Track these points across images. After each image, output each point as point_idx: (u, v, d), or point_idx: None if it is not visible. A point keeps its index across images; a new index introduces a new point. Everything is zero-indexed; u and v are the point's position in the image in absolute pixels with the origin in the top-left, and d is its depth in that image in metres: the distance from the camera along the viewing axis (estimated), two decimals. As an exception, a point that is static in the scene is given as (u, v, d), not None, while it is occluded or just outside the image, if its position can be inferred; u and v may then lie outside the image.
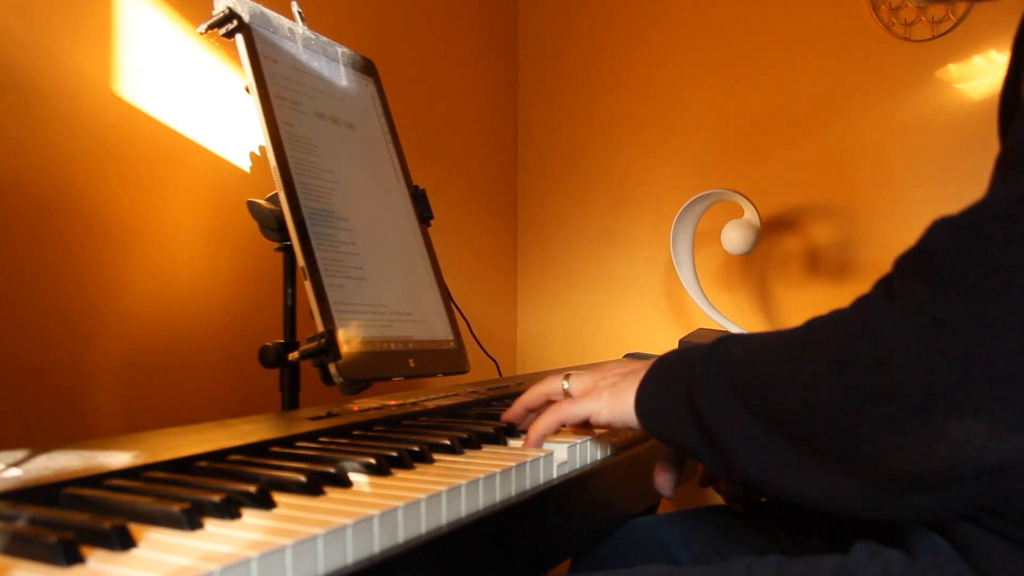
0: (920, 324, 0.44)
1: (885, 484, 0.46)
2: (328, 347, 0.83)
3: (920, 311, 0.44)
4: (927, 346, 0.43)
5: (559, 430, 0.75)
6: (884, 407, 0.45)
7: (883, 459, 0.45)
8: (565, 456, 0.69)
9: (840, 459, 0.48)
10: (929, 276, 0.44)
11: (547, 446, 0.69)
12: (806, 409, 0.48)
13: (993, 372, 0.42)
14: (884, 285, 0.48)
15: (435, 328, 1.03)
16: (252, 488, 0.48)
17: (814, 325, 0.51)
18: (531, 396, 0.75)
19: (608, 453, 0.76)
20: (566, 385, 0.72)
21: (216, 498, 0.45)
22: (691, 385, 0.56)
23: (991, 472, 0.43)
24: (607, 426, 0.67)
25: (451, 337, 1.06)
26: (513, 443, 0.73)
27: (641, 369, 0.65)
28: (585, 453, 0.72)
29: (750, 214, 1.67)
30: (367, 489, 0.53)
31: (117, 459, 0.55)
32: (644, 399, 0.63)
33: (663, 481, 0.73)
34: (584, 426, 0.77)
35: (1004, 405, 0.42)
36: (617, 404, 0.65)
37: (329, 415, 0.79)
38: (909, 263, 0.47)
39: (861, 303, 0.48)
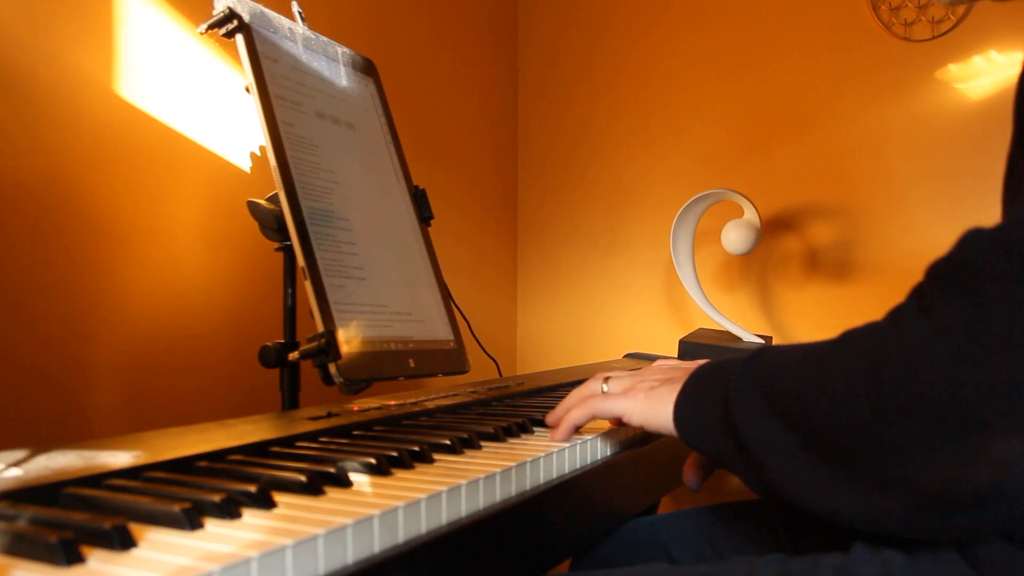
0: (955, 340, 0.43)
1: (924, 504, 0.45)
2: (328, 347, 0.83)
3: (955, 326, 0.43)
4: (963, 362, 0.42)
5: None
6: (921, 425, 0.44)
7: (921, 478, 0.45)
8: (576, 451, 0.70)
9: (876, 477, 0.47)
10: (963, 290, 0.43)
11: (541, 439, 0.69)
12: (840, 425, 0.47)
13: None
14: (918, 297, 0.46)
15: (435, 328, 1.03)
16: (252, 488, 0.48)
17: (848, 338, 0.50)
18: (572, 399, 0.75)
19: (609, 453, 0.76)
20: (605, 387, 0.73)
21: (216, 498, 0.45)
22: (726, 397, 0.56)
23: None
24: (639, 428, 0.68)
25: (451, 337, 1.06)
26: (513, 442, 0.73)
27: (680, 377, 0.65)
28: (585, 453, 0.72)
29: (750, 214, 1.67)
30: (367, 489, 0.53)
31: (117, 459, 0.55)
32: (682, 408, 0.63)
33: (693, 477, 0.74)
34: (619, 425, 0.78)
35: None
36: (652, 408, 0.65)
37: (329, 415, 0.79)
38: (942, 275, 0.46)
39: (895, 316, 0.47)
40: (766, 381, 0.54)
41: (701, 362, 0.65)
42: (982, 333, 0.42)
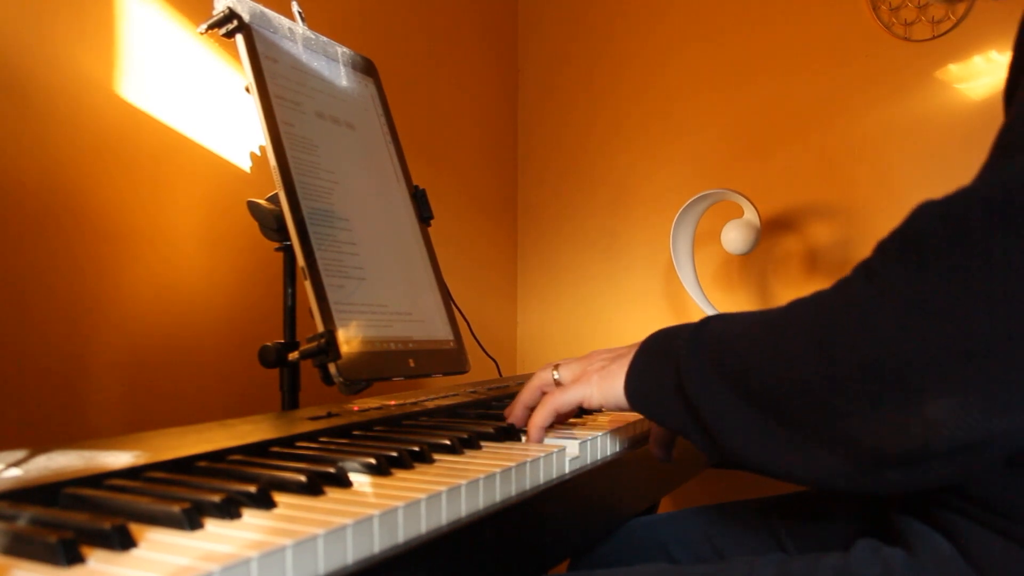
0: (897, 304, 0.45)
1: (861, 461, 0.47)
2: (328, 347, 0.83)
3: (898, 291, 0.45)
4: (903, 325, 0.44)
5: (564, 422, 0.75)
6: (860, 385, 0.46)
7: (859, 436, 0.46)
8: (576, 451, 0.70)
9: (819, 436, 0.48)
10: (910, 258, 0.45)
11: (553, 441, 0.69)
12: (787, 387, 0.49)
13: (966, 352, 0.42)
14: (864, 267, 0.48)
15: (435, 328, 1.03)
16: (252, 488, 0.48)
17: (796, 305, 0.52)
18: (526, 394, 0.75)
19: (608, 453, 0.76)
20: (556, 375, 0.73)
21: (216, 498, 0.45)
22: (677, 365, 0.57)
23: (963, 450, 0.44)
24: (600, 409, 0.68)
25: (451, 337, 1.06)
26: (513, 442, 0.73)
27: (629, 352, 0.66)
28: (585, 453, 0.72)
29: (750, 214, 1.67)
30: (367, 489, 0.53)
31: (117, 459, 0.55)
32: (633, 380, 0.64)
33: (660, 452, 0.75)
34: (579, 415, 0.78)
35: (976, 385, 0.42)
36: (608, 387, 0.66)
37: (329, 415, 0.79)
38: (891, 244, 0.48)
39: (841, 283, 0.50)
40: (716, 347, 0.55)
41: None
42: (922, 298, 0.44)
